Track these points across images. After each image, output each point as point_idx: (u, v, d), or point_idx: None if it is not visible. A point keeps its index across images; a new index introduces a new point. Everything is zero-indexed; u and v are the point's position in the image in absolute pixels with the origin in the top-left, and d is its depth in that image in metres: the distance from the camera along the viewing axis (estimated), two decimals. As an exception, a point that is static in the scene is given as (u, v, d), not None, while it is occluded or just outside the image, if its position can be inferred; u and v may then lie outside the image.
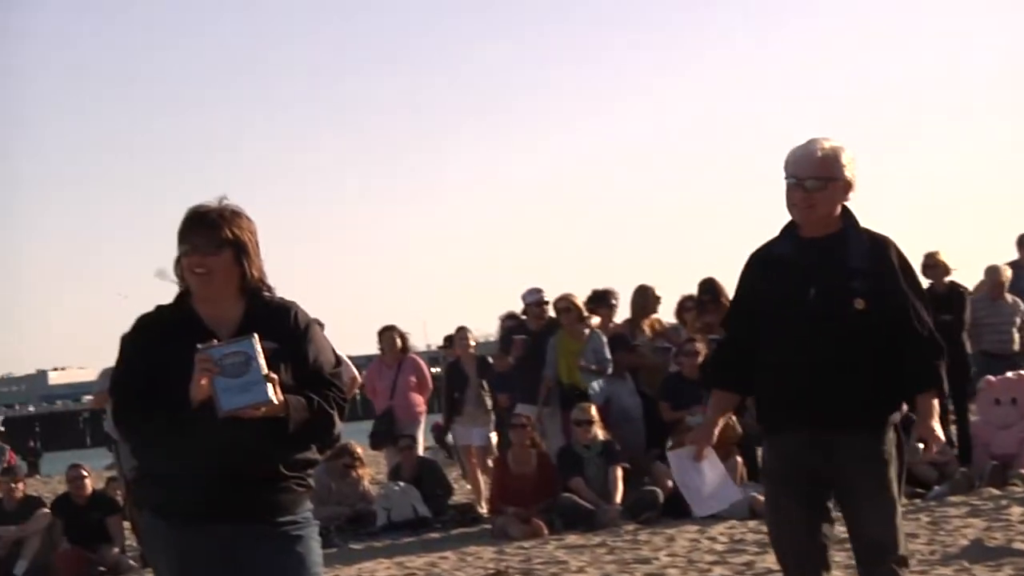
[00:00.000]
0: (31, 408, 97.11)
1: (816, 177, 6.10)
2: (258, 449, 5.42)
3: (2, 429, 52.09)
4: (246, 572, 5.53)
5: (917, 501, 13.09)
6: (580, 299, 16.06)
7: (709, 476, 6.78)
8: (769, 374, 6.29)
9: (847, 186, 6.17)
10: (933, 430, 6.05)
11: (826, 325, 6.04)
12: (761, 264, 6.47)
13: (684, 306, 16.10)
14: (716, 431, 6.75)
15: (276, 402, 5.29)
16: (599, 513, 13.98)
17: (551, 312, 16.16)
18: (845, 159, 6.15)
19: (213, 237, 5.44)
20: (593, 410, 14.81)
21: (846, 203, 6.21)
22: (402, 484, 15.77)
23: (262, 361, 5.27)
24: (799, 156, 6.16)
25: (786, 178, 6.17)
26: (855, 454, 6.12)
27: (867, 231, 6.22)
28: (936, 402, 6.14)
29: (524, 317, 16.50)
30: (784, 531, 6.37)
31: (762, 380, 6.36)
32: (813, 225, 6.19)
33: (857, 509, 6.14)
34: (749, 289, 6.57)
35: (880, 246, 6.19)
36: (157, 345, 5.49)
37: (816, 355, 6.05)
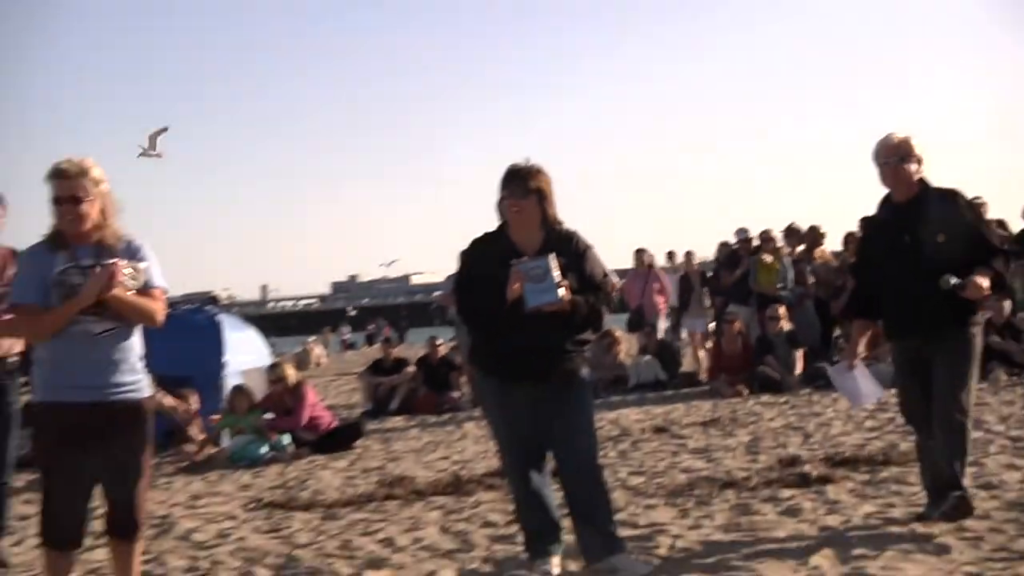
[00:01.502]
0: (400, 299, 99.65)
1: (898, 156, 6.21)
2: (553, 332, 5.62)
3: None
4: (546, 413, 5.73)
5: (1014, 378, 12.69)
6: (777, 232, 16.29)
7: (860, 380, 6.87)
8: (887, 301, 6.38)
9: (919, 160, 6.24)
10: (975, 280, 5.97)
11: (919, 259, 6.08)
12: (870, 226, 6.67)
13: (848, 239, 15.85)
14: (860, 348, 6.88)
15: (565, 301, 5.48)
16: (784, 381, 13.96)
17: (755, 242, 16.32)
18: (915, 142, 6.24)
19: (523, 186, 5.64)
20: (781, 309, 14.83)
21: (921, 173, 6.27)
22: (647, 357, 15.94)
23: (556, 273, 5.46)
24: (884, 145, 6.27)
25: (878, 162, 6.29)
26: (946, 347, 6.15)
27: (937, 189, 6.27)
28: (986, 271, 6.03)
29: (735, 246, 16.58)
30: (906, 399, 6.45)
31: (885, 306, 6.44)
32: (900, 192, 6.28)
33: (939, 379, 6.15)
34: (865, 246, 6.74)
35: (949, 196, 6.24)
36: (485, 259, 5.71)
37: (916, 282, 6.10)
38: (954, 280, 5.95)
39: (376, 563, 6.34)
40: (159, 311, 5.29)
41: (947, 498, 6.12)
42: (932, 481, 6.30)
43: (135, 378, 5.29)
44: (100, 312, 5.13)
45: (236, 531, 7.62)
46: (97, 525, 5.54)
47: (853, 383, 6.88)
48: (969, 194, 6.47)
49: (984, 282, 5.99)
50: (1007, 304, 13.54)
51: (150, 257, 5.30)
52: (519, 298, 5.46)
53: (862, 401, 7.14)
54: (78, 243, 5.19)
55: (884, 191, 6.39)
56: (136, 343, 5.33)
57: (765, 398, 13.33)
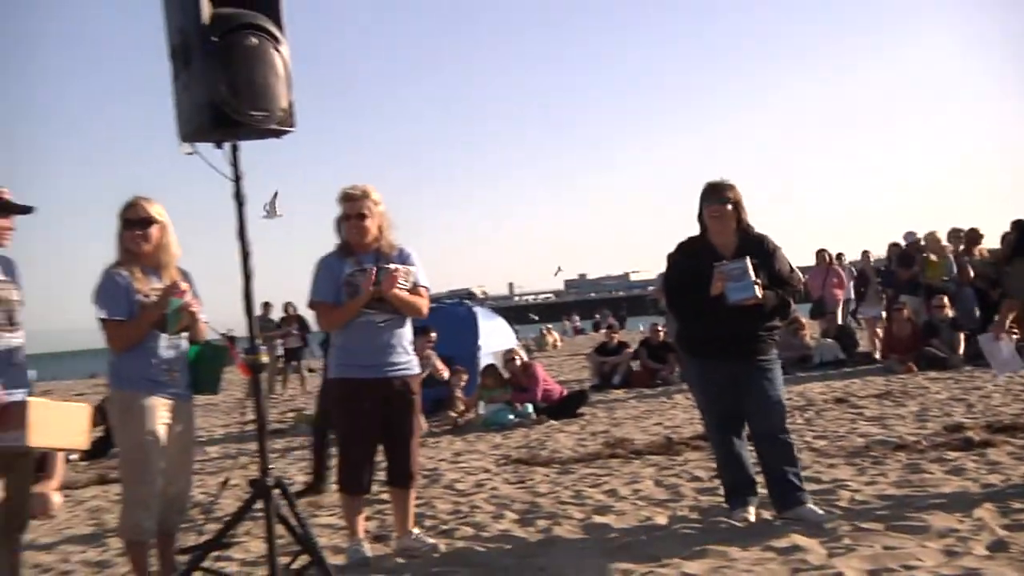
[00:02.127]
0: (621, 292, 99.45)
1: None
2: (748, 321, 5.51)
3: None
4: (742, 387, 5.63)
5: None
6: (941, 234, 15.52)
7: (1005, 352, 6.61)
8: None
9: None
10: None
11: None
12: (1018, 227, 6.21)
13: (1004, 238, 15.00)
14: (1007, 323, 6.61)
15: (760, 296, 5.38)
16: (949, 360, 13.31)
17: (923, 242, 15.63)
18: None
19: (721, 196, 5.53)
20: (945, 299, 14.15)
21: None
22: (829, 340, 15.52)
23: (752, 272, 5.37)
24: None
25: None
26: None
27: None
28: None
29: (904, 246, 16.02)
30: None
31: None
32: None
33: None
34: (1015, 244, 6.31)
35: None
36: (690, 262, 5.63)
37: None
38: None
39: (602, 510, 6.31)
40: (424, 306, 5.44)
41: None
42: None
43: (407, 358, 5.44)
44: (380, 306, 5.30)
45: (490, 482, 7.72)
46: (381, 475, 5.69)
47: (999, 352, 6.64)
48: None
49: None
50: None
51: (417, 262, 5.45)
52: (720, 294, 5.41)
53: (1005, 368, 6.81)
54: (361, 252, 5.37)
55: None
56: (407, 331, 5.48)
57: (932, 374, 12.79)
